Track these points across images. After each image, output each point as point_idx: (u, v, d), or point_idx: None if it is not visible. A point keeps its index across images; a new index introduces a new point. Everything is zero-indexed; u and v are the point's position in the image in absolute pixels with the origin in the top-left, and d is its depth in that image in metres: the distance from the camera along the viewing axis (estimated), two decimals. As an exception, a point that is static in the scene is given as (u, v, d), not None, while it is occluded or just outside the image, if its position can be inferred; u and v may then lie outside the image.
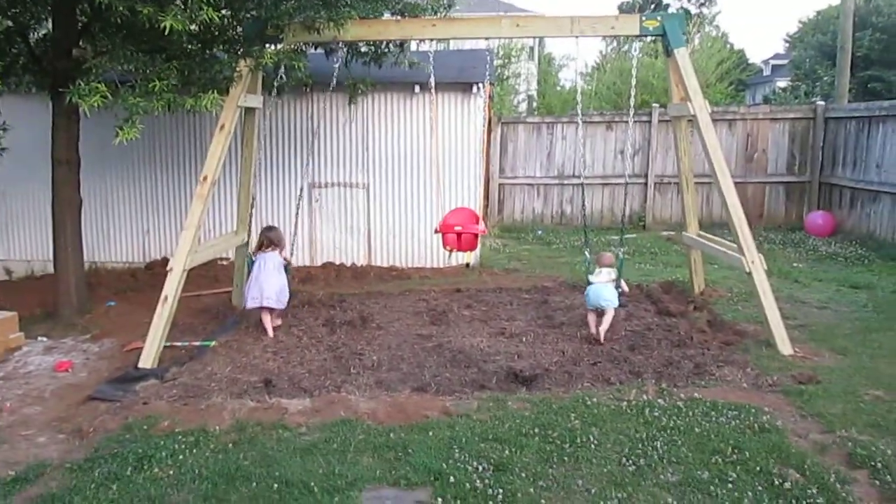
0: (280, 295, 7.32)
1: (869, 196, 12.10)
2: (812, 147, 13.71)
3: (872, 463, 4.30)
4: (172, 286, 6.60)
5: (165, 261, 8.97)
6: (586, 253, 7.46)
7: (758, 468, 4.25)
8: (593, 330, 7.03)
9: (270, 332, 7.23)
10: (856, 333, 6.97)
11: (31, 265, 10.84)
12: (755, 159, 13.94)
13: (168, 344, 6.75)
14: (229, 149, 7.57)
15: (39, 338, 7.32)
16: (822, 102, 14.15)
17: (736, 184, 7.26)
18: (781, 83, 39.40)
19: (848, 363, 6.14)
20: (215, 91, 6.18)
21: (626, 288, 7.25)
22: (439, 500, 3.96)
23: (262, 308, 7.28)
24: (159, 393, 5.76)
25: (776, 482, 4.09)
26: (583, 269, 7.62)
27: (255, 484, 4.21)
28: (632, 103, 7.88)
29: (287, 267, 7.57)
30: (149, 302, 7.20)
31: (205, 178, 6.91)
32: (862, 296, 8.48)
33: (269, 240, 7.46)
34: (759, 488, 4.05)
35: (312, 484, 4.15)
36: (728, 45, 29.15)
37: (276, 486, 4.16)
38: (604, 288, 7.00)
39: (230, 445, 4.75)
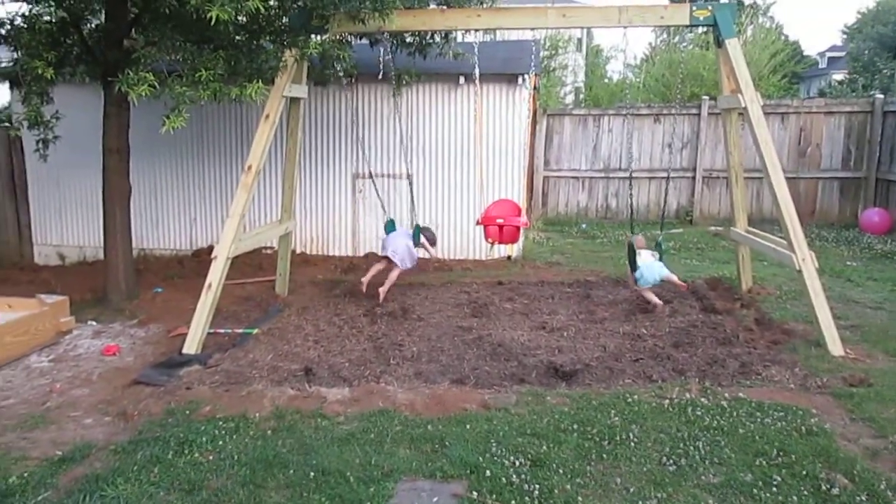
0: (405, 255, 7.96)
1: (928, 193, 11.67)
2: (869, 142, 13.27)
3: (926, 471, 4.15)
4: (217, 274, 6.69)
5: (211, 248, 9.08)
6: (632, 239, 7.54)
7: (804, 472, 4.13)
8: (657, 301, 7.46)
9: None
10: (912, 336, 6.74)
11: (84, 251, 11.13)
12: (808, 154, 13.56)
13: (212, 330, 6.85)
14: (274, 138, 7.64)
15: (89, 322, 7.50)
16: (881, 96, 13.67)
17: (787, 179, 7.05)
18: (838, 76, 38.26)
19: (902, 366, 5.93)
20: (261, 81, 6.23)
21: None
22: (475, 493, 3.94)
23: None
24: (202, 378, 5.85)
25: (823, 488, 3.96)
26: (625, 259, 7.77)
27: (292, 471, 4.24)
28: (679, 95, 7.71)
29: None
30: (194, 289, 7.32)
31: (249, 168, 6.97)
32: (919, 297, 8.19)
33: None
34: (805, 493, 3.93)
35: (349, 473, 4.17)
36: (782, 37, 28.41)
37: (312, 474, 4.18)
38: (655, 263, 7.35)
39: (269, 432, 4.79)
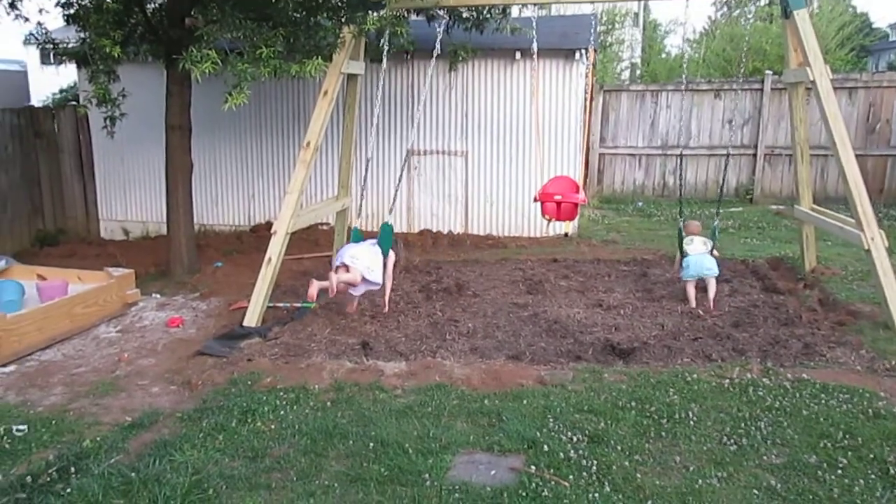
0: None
1: None
2: (943, 117, 12.72)
3: None
4: (276, 249, 6.81)
5: (270, 224, 9.24)
6: (680, 224, 7.33)
7: (871, 455, 4.03)
8: (693, 303, 6.97)
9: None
10: None
11: (146, 226, 11.44)
12: (877, 130, 13.06)
13: (271, 304, 6.98)
14: (332, 115, 7.69)
15: (153, 294, 7.73)
16: (957, 69, 13.06)
17: (856, 156, 6.80)
18: (910, 49, 36.68)
19: (977, 350, 5.71)
20: (319, 57, 6.27)
21: (717, 253, 7.21)
22: (533, 467, 3.95)
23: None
24: (262, 351, 5.99)
25: (892, 471, 3.86)
26: (675, 241, 7.47)
27: (351, 442, 4.32)
28: (741, 70, 7.48)
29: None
30: (253, 264, 7.47)
31: (308, 144, 7.05)
32: None
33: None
34: (872, 476, 3.83)
35: (407, 445, 4.23)
36: (850, 9, 27.30)
37: (371, 444, 4.26)
38: (704, 257, 6.99)
39: (328, 404, 4.88)
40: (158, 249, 9.35)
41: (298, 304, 7.27)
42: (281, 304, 7.24)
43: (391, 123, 10.70)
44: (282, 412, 4.74)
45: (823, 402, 4.73)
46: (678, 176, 13.58)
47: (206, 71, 5.84)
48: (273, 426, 4.54)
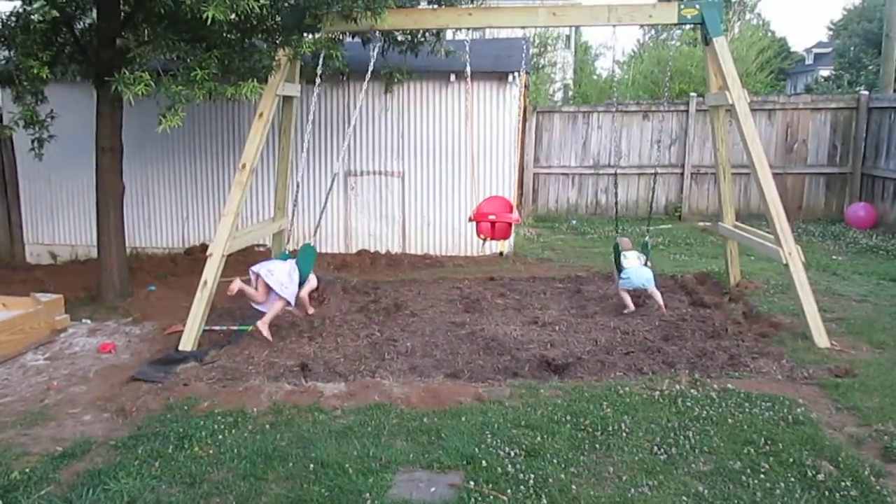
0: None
1: (912, 188, 11.85)
2: (854, 138, 13.44)
3: (909, 458, 4.27)
4: (212, 271, 6.75)
5: (205, 247, 9.14)
6: (617, 240, 7.68)
7: (791, 460, 4.24)
8: (632, 306, 7.42)
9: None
10: (895, 327, 6.87)
11: (76, 250, 11.14)
12: (795, 150, 13.72)
13: (207, 328, 6.91)
14: (267, 137, 7.69)
15: (84, 320, 7.54)
16: (866, 92, 13.83)
17: (775, 174, 7.18)
18: (824, 72, 38.58)
19: (886, 357, 6.06)
20: (255, 80, 6.29)
21: (650, 265, 7.66)
22: (471, 483, 4.03)
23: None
24: (199, 375, 5.91)
25: (809, 474, 4.08)
26: (612, 257, 7.80)
27: (291, 464, 4.32)
28: (667, 93, 7.83)
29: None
30: (188, 287, 7.37)
31: (243, 166, 7.03)
32: (903, 289, 8.34)
33: None
34: (792, 479, 4.04)
35: (347, 465, 4.25)
36: (769, 33, 28.60)
37: (311, 466, 4.26)
38: (643, 269, 7.41)
39: (268, 426, 4.86)
40: (89, 273, 9.12)
41: (235, 327, 7.21)
42: (217, 328, 7.16)
43: (327, 145, 10.72)
44: (220, 436, 4.70)
45: (747, 410, 4.95)
46: (612, 194, 13.98)
47: (139, 93, 5.78)
48: (211, 451, 4.50)
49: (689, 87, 17.67)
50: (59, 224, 11.26)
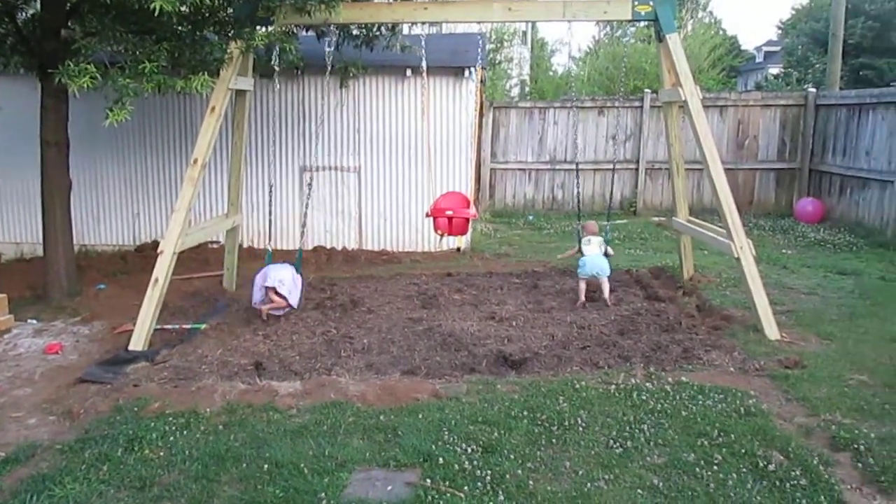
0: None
1: (858, 183, 12.17)
2: (803, 134, 13.75)
3: (855, 446, 4.37)
4: (163, 269, 6.60)
5: (156, 244, 8.91)
6: (579, 228, 7.92)
7: (743, 451, 4.31)
8: (583, 297, 7.56)
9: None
10: (842, 319, 7.04)
11: (21, 248, 10.79)
12: (746, 146, 13.99)
13: (158, 327, 6.75)
14: (220, 132, 7.55)
15: (29, 320, 7.30)
16: (814, 90, 14.16)
17: (726, 170, 7.28)
18: (773, 70, 39.36)
19: (834, 348, 6.21)
20: (206, 73, 6.14)
21: (611, 252, 7.90)
22: (428, 480, 4.00)
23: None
24: (150, 375, 5.77)
25: (761, 464, 4.15)
26: (575, 241, 8.14)
27: (245, 465, 4.24)
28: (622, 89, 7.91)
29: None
30: (139, 285, 7.20)
31: (195, 161, 6.88)
32: (849, 282, 8.55)
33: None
34: (744, 470, 4.11)
35: (302, 465, 4.19)
36: (721, 32, 29.10)
37: (266, 466, 4.19)
38: (598, 257, 7.59)
39: (221, 427, 4.77)
40: (34, 272, 8.83)
41: (188, 326, 7.06)
42: (169, 326, 7.01)
43: (282, 140, 10.57)
44: (171, 438, 4.59)
45: (701, 402, 5.02)
46: (569, 189, 14.10)
47: (84, 86, 5.60)
48: (162, 453, 4.40)
49: (644, 84, 17.85)
50: (3, 221, 10.90)
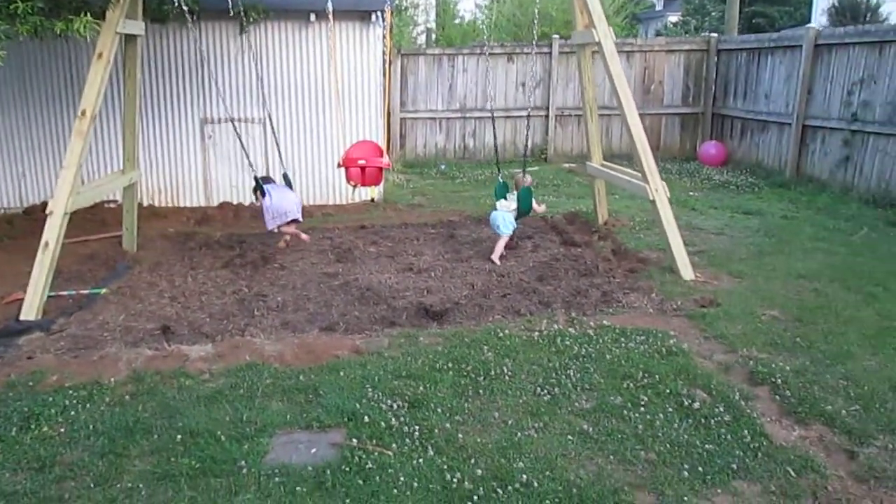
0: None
1: (758, 126, 12.54)
2: (705, 79, 14.04)
3: (773, 379, 4.48)
4: (54, 231, 6.10)
5: (45, 205, 8.29)
6: (499, 178, 7.72)
7: (667, 391, 4.34)
8: (497, 259, 7.37)
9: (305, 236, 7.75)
10: (750, 258, 7.23)
11: None
12: (652, 91, 14.16)
13: (53, 294, 6.27)
14: (113, 81, 6.99)
15: None
16: (716, 34, 14.42)
17: (637, 114, 7.27)
18: (673, 18, 40.13)
19: (745, 286, 6.36)
20: (89, 14, 5.61)
21: (538, 208, 7.75)
22: (354, 440, 3.85)
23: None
24: (45, 346, 5.35)
25: (685, 403, 4.19)
26: (484, 201, 7.85)
27: (156, 436, 3.97)
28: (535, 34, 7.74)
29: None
30: (28, 250, 6.66)
31: (83, 113, 6.34)
32: (754, 222, 8.82)
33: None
34: (670, 410, 4.14)
35: (219, 432, 3.95)
36: (623, -22, 29.27)
37: (179, 437, 3.93)
38: (499, 215, 7.40)
39: (127, 397, 4.46)
40: None
41: (86, 291, 6.60)
42: (65, 293, 6.53)
43: (181, 91, 9.95)
44: (72, 413, 4.25)
45: (623, 345, 5.04)
46: (480, 138, 13.97)
47: (-52, 29, 5.02)
48: (63, 430, 4.06)
49: (552, 30, 17.78)
50: None
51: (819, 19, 21.95)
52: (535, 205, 7.56)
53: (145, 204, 9.94)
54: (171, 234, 8.91)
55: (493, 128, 8.53)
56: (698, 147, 13.95)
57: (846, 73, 10.32)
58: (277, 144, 8.37)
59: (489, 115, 13.65)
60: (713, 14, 30.60)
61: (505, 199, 7.52)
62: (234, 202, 10.30)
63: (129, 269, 7.35)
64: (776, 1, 28.65)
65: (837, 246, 7.57)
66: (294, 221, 7.56)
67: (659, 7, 51.64)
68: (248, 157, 7.82)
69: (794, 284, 6.34)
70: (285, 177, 7.78)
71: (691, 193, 10.71)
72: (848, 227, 8.36)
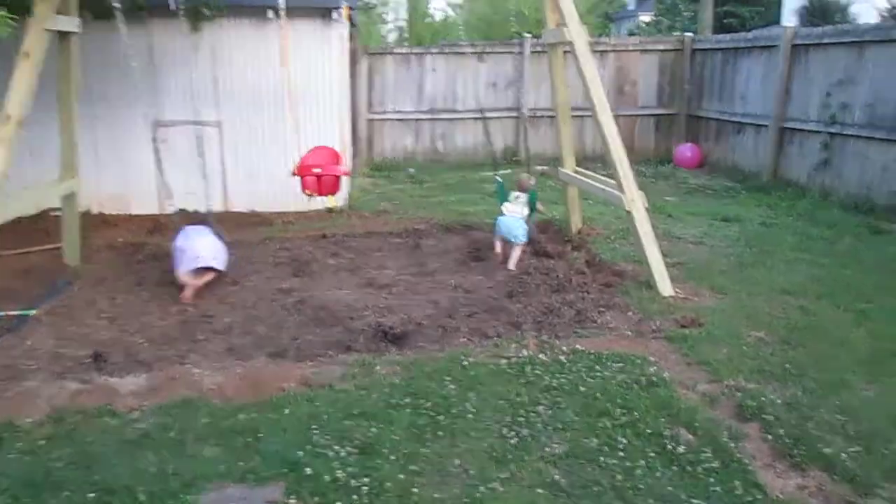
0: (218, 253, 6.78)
1: (734, 128, 12.23)
2: (680, 79, 13.69)
3: (763, 415, 4.06)
4: (-27, 248, 5.54)
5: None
6: (497, 178, 7.51)
7: (648, 431, 3.90)
8: (499, 249, 7.11)
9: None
10: (732, 270, 6.85)
11: None
12: (626, 91, 13.79)
13: (-25, 316, 5.72)
14: (51, 84, 6.45)
15: None
16: (691, 34, 14.10)
17: (610, 117, 6.86)
18: (645, 18, 40.03)
19: (728, 302, 5.96)
20: (6, 9, 5.05)
21: (542, 208, 7.58)
22: (293, 498, 3.36)
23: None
24: (-42, 379, 4.80)
25: (669, 446, 3.75)
26: (494, 193, 7.79)
27: (67, 493, 3.45)
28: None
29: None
30: (-50, 267, 6.09)
31: (8, 118, 5.78)
32: (733, 229, 8.44)
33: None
34: (651, 455, 3.69)
35: (140, 489, 3.44)
36: (595, -23, 28.99)
37: (92, 494, 3.41)
38: (515, 220, 7.05)
39: (42, 442, 3.93)
40: None
41: (15, 313, 6.02)
42: (-10, 314, 5.97)
43: (131, 93, 9.33)
44: (-25, 463, 3.72)
45: (599, 374, 4.59)
46: (456, 135, 13.52)
47: None
48: (-40, 485, 3.54)
49: (524, 29, 17.38)
50: None
51: (789, 19, 21.82)
52: (539, 207, 7.36)
53: (95, 212, 9.39)
54: (119, 244, 8.37)
55: (485, 127, 8.19)
56: (673, 149, 13.60)
57: (824, 74, 10.01)
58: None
59: (459, 116, 13.28)
60: (685, 14, 30.44)
61: (509, 202, 7.15)
62: (190, 209, 9.69)
63: (69, 286, 6.79)
64: (748, 1, 28.56)
65: (821, 257, 7.21)
66: (209, 270, 6.55)
67: (631, 6, 51.64)
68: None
69: (779, 301, 5.95)
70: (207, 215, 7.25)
71: (667, 198, 10.33)
72: (830, 235, 8.01)
